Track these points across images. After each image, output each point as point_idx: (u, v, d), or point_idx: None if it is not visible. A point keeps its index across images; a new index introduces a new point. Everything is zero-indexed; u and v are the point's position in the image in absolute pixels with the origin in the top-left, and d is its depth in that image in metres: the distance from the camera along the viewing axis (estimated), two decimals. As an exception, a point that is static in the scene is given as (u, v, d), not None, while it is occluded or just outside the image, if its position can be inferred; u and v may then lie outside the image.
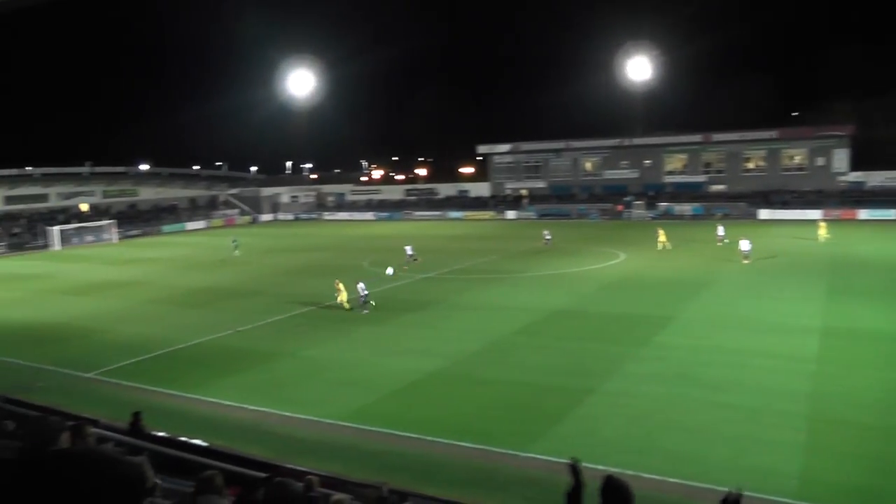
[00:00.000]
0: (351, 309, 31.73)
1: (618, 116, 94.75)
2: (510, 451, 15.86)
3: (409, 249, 44.93)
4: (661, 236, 48.24)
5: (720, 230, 50.14)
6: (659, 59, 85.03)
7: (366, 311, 31.31)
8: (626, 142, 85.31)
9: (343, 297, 32.13)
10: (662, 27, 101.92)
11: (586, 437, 16.37)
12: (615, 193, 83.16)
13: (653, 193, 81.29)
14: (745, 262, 39.51)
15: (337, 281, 32.94)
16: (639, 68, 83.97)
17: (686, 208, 76.96)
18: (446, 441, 16.70)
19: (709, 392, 19.07)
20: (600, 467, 14.46)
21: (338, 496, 8.65)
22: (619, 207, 79.54)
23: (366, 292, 31.88)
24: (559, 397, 19.23)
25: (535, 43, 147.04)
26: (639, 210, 77.75)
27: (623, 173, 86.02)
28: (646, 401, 18.57)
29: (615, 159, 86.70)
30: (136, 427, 15.42)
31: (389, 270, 24.74)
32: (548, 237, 52.68)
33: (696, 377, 20.34)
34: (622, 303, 31.24)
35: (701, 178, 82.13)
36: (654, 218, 74.47)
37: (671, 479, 13.99)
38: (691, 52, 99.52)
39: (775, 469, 14.44)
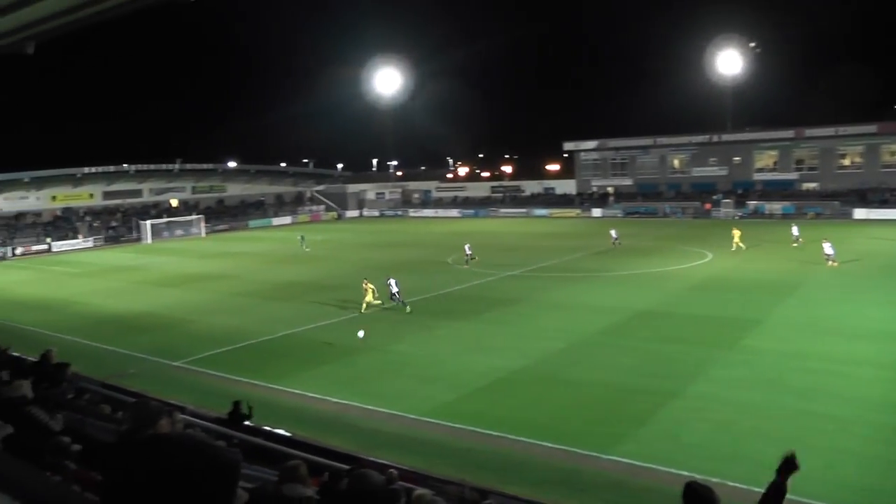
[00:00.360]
0: (381, 303, 31.87)
1: (706, 112, 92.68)
2: (591, 453, 15.87)
3: (467, 248, 45.14)
4: (736, 237, 47.08)
5: (794, 230, 48.66)
6: (750, 51, 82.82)
7: (387, 307, 31.61)
8: (715, 138, 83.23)
9: (369, 297, 31.88)
10: (754, 18, 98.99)
11: (669, 441, 16.24)
12: (703, 191, 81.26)
13: (742, 191, 79.10)
14: (831, 264, 38.18)
15: (365, 280, 32.75)
16: (729, 62, 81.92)
17: (776, 207, 74.38)
18: (528, 440, 16.81)
19: (797, 399, 18.57)
20: (683, 473, 14.42)
21: (419, 491, 8.98)
22: (707, 206, 77.79)
23: (396, 289, 31.96)
24: (642, 400, 19.10)
25: (623, 37, 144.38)
26: (727, 208, 75.86)
27: (711, 170, 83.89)
28: (731, 406, 18.23)
29: (703, 156, 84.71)
30: (235, 415, 16.11)
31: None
32: (615, 237, 51.58)
33: (784, 383, 19.86)
34: (708, 304, 30.73)
35: (792, 176, 79.42)
36: (742, 217, 72.59)
37: (757, 489, 13.77)
38: (784, 43, 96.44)
39: (869, 485, 14.03)
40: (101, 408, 15.71)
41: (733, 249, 45.92)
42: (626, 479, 14.62)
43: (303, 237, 61.97)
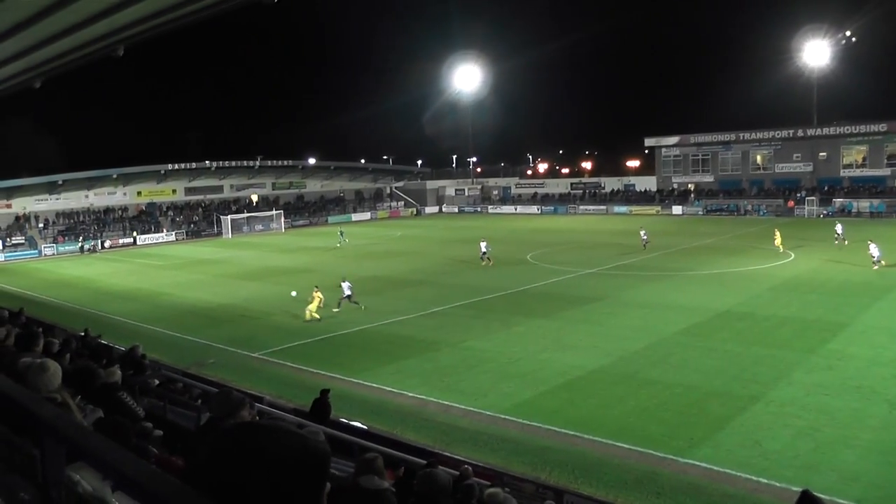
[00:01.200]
0: (319, 319, 30.69)
1: (791, 106, 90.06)
2: (669, 456, 15.64)
3: (483, 246, 44.98)
4: (777, 238, 45.48)
5: (839, 228, 47.10)
6: (837, 41, 79.86)
7: (336, 310, 31.18)
8: (800, 132, 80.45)
9: (314, 305, 30.79)
10: (842, 6, 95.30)
11: (750, 447, 15.84)
12: (786, 188, 78.84)
13: (827, 188, 76.38)
14: (875, 267, 36.56)
15: (316, 288, 31.74)
16: (815, 53, 79.11)
17: (864, 205, 71.40)
18: (604, 440, 16.69)
19: (888, 408, 17.84)
20: (763, 480, 14.14)
21: (491, 490, 8.96)
22: (791, 203, 75.46)
23: (349, 292, 31.69)
24: (722, 403, 18.71)
25: (705, 30, 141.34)
26: (812, 206, 73.35)
27: (796, 167, 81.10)
28: (815, 413, 17.66)
29: (787, 152, 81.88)
30: (322, 403, 16.34)
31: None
32: (645, 237, 49.93)
33: (873, 390, 19.09)
34: (791, 305, 29.80)
35: (884, 172, 75.86)
36: (828, 215, 70.09)
37: (841, 501, 13.21)
38: (875, 32, 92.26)
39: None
40: (182, 395, 16.21)
41: (779, 251, 44.46)
42: (704, 484, 14.34)
43: (342, 232, 63.87)
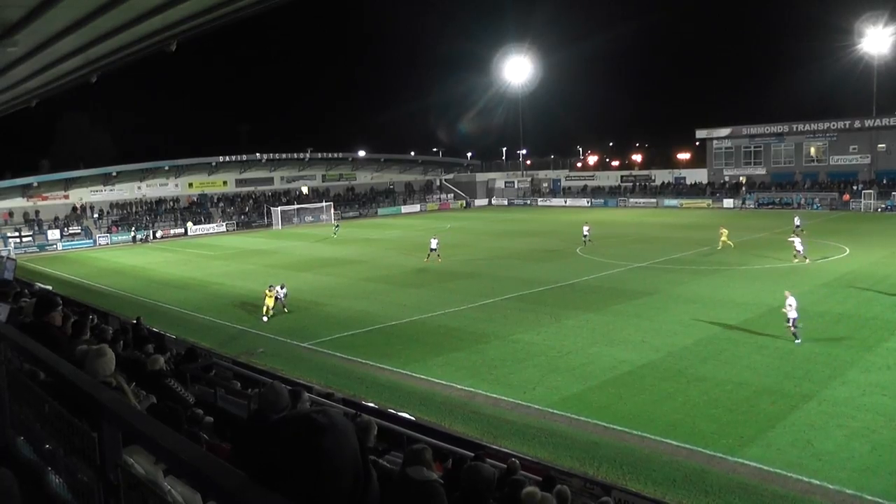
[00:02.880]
0: (274, 315, 30.71)
1: (848, 96, 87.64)
2: (718, 454, 15.44)
3: (434, 242, 44.92)
4: (723, 235, 45.25)
5: (796, 220, 48.22)
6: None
7: (264, 319, 30.31)
8: (857, 124, 78.08)
9: (270, 301, 30.82)
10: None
11: (802, 447, 15.53)
12: (842, 181, 76.84)
13: (887, 182, 74.00)
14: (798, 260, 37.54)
15: (271, 286, 31.63)
16: (876, 41, 76.68)
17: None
18: (653, 437, 16.52)
19: (948, 409, 17.29)
20: (815, 482, 13.83)
21: (528, 489, 8.92)
22: (846, 197, 73.58)
23: (283, 293, 31.34)
24: (774, 401, 18.37)
25: (759, 19, 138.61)
26: (869, 200, 71.38)
27: (852, 159, 78.84)
28: (872, 413, 17.19)
29: (843, 144, 79.65)
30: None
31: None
32: (587, 233, 49.70)
33: (937, 393, 18.49)
34: (846, 302, 29.11)
35: (948, 165, 73.45)
36: (886, 209, 68.26)
37: (898, 505, 12.91)
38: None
39: None
40: (233, 383, 16.46)
41: (719, 248, 44.08)
42: (754, 484, 14.09)
43: (337, 225, 67.54)
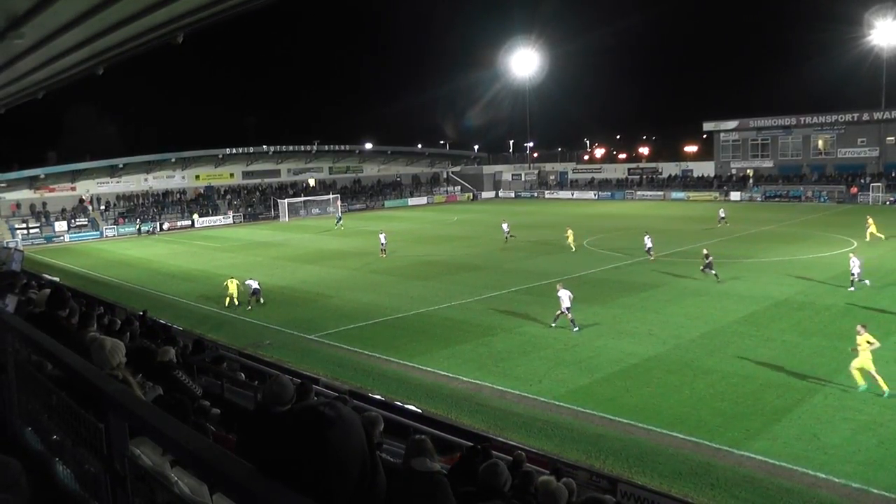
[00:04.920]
0: (239, 304, 31.69)
1: (857, 88, 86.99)
2: (724, 447, 15.40)
3: (505, 226, 45.59)
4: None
5: (721, 213, 49.62)
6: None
7: (249, 308, 31.22)
8: (866, 116, 77.54)
9: (233, 289, 32.12)
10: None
11: (808, 440, 15.49)
12: (850, 174, 76.37)
13: (895, 174, 73.56)
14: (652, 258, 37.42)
15: (231, 280, 32.91)
16: (886, 32, 76.01)
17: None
18: (660, 430, 16.51)
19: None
20: (821, 475, 13.80)
21: (544, 478, 8.91)
22: (854, 189, 73.17)
23: (256, 287, 31.91)
24: (780, 394, 18.33)
25: (766, 10, 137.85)
26: (877, 193, 70.97)
27: (860, 151, 78.37)
28: (879, 407, 17.11)
29: (852, 136, 79.14)
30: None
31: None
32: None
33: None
34: (854, 294, 28.89)
35: (957, 158, 72.84)
36: (894, 202, 67.88)
37: (904, 498, 12.84)
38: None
39: None
40: (239, 375, 16.50)
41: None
42: (760, 478, 14.07)
43: (340, 217, 68.65)
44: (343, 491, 2.28)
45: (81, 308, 10.02)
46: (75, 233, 69.28)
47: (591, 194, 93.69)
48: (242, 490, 2.20)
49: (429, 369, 21.97)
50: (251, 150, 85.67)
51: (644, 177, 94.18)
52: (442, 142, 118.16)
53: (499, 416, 17.97)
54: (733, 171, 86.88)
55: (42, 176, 71.65)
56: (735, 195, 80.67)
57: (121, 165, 76.33)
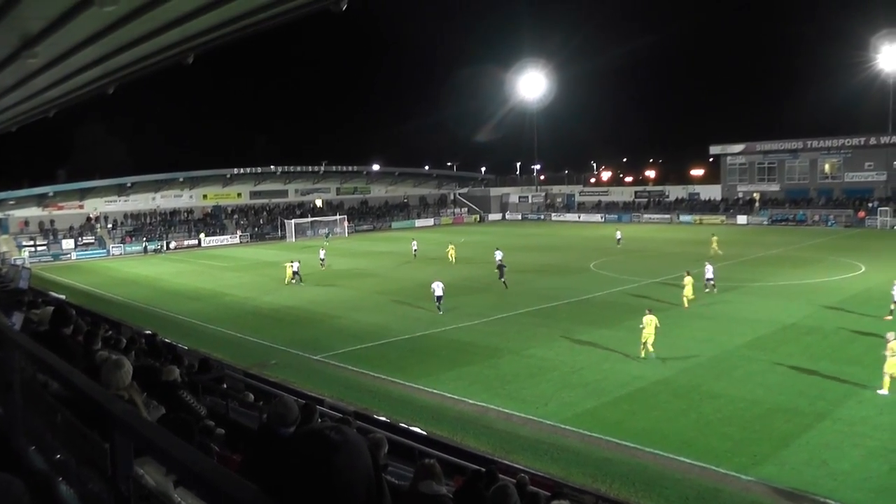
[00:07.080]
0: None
1: (864, 112, 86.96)
2: (732, 473, 15.23)
3: (498, 255, 43.29)
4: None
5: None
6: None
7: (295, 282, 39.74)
8: (873, 140, 77.26)
9: (289, 272, 42.25)
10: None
11: (816, 466, 15.33)
12: (857, 198, 76.10)
13: (903, 199, 73.39)
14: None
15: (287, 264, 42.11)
16: (891, 56, 76.06)
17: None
18: (666, 454, 16.36)
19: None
20: (831, 502, 13.64)
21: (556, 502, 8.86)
22: (861, 214, 72.99)
23: (296, 269, 42.21)
24: (788, 419, 18.18)
25: (773, 35, 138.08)
26: (885, 217, 70.71)
27: (868, 175, 78.06)
28: (889, 433, 16.95)
29: (859, 160, 78.83)
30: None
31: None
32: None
33: (955, 413, 18.20)
34: (862, 320, 28.71)
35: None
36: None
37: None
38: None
39: None
40: (246, 395, 16.43)
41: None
42: (768, 503, 13.87)
43: (328, 235, 72.11)
44: (350, 514, 2.26)
45: (87, 326, 10.02)
46: (82, 250, 69.50)
47: (597, 217, 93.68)
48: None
49: (435, 391, 21.87)
50: (259, 170, 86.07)
51: (651, 200, 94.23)
52: (449, 163, 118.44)
53: (505, 438, 17.86)
54: (740, 195, 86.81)
55: (51, 194, 72.00)
56: (742, 218, 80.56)
57: (129, 184, 76.67)
